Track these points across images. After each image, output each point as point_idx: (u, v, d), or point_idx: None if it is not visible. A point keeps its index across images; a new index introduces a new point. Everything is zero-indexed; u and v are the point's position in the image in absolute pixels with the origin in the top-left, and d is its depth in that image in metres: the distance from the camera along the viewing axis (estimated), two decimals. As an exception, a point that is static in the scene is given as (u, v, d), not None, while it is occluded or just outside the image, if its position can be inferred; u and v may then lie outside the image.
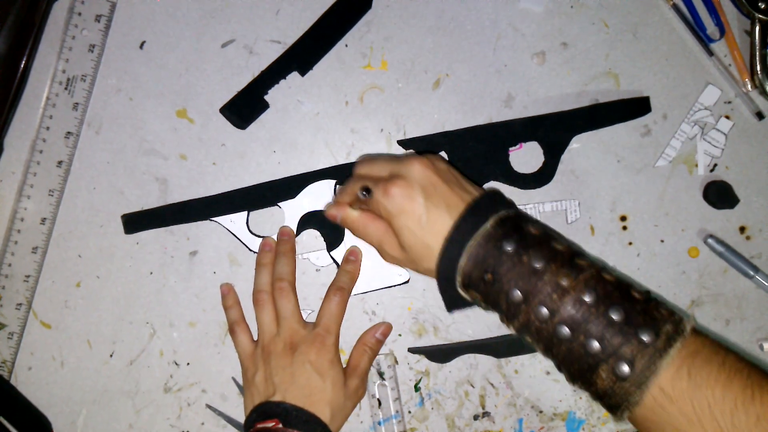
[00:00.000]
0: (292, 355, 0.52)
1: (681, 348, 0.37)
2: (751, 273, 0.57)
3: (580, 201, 0.58)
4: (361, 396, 0.55)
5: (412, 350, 0.58)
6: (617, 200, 0.58)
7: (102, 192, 0.57)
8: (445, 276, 0.45)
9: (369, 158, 0.53)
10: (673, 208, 0.58)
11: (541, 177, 0.57)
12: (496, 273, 0.42)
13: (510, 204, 0.47)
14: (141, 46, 0.57)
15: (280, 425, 0.48)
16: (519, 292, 0.41)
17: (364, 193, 0.49)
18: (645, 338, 0.38)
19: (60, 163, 0.57)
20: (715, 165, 0.58)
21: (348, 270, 0.56)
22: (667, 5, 0.57)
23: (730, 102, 0.58)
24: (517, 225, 0.43)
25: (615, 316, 0.39)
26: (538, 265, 0.41)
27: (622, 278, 0.42)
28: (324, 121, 0.57)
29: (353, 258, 0.56)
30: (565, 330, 0.39)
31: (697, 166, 0.58)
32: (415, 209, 0.45)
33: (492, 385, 0.59)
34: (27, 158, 0.57)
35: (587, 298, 0.39)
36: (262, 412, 0.50)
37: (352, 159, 0.57)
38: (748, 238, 0.58)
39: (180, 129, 0.57)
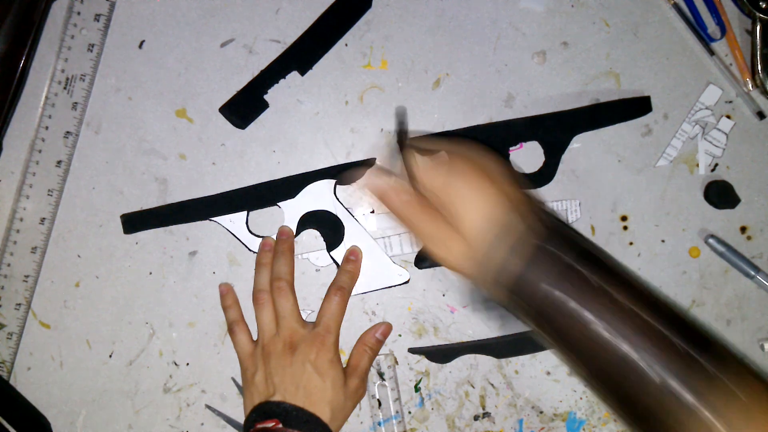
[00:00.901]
0: (292, 354, 0.52)
1: None
2: (752, 273, 0.57)
3: (581, 201, 0.58)
4: (361, 396, 0.55)
5: (413, 350, 0.58)
6: (618, 200, 0.58)
7: (101, 192, 0.57)
8: (478, 257, 0.41)
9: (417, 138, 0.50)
10: (674, 208, 0.58)
11: (542, 177, 0.57)
12: (569, 295, 0.39)
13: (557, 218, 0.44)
14: (140, 46, 0.57)
15: (280, 425, 0.48)
16: (604, 328, 0.39)
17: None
18: None
19: (59, 162, 0.56)
20: (716, 165, 0.58)
21: (348, 270, 0.56)
22: (668, 4, 0.57)
23: (731, 101, 0.58)
24: (592, 255, 0.41)
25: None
26: (623, 302, 0.39)
27: (700, 324, 0.41)
28: (324, 121, 0.57)
29: (353, 258, 0.56)
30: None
31: (698, 165, 0.58)
32: (479, 182, 0.43)
33: (492, 385, 0.58)
34: (26, 158, 0.57)
35: (678, 341, 0.38)
36: (262, 412, 0.50)
37: (352, 159, 0.57)
38: (749, 238, 0.58)
39: (179, 128, 0.57)
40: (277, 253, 0.56)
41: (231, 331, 0.56)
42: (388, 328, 0.57)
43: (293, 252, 0.56)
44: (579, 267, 0.40)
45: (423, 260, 0.57)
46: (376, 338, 0.56)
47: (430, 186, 0.44)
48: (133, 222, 0.56)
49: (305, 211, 0.56)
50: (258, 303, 0.55)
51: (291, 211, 0.56)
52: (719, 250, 0.57)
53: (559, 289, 0.40)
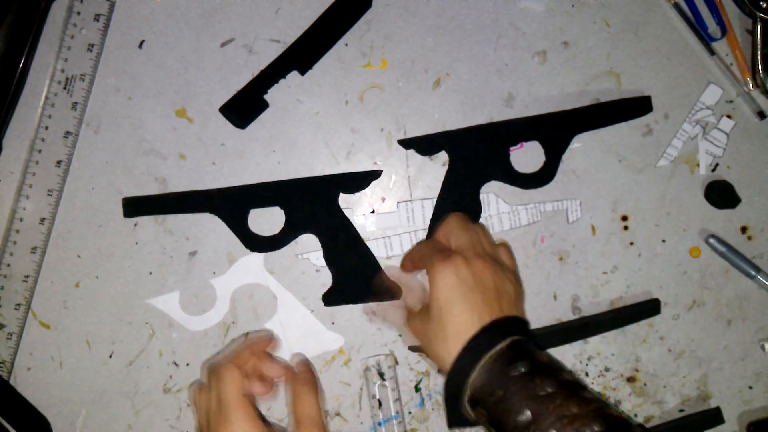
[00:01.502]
0: None
1: None
2: (753, 273, 0.57)
3: (582, 200, 0.58)
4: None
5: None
6: (618, 200, 0.58)
7: (101, 192, 0.57)
8: (453, 385, 0.45)
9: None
10: (675, 208, 0.58)
11: (542, 177, 0.57)
12: (507, 391, 0.42)
13: (529, 333, 0.47)
14: (140, 46, 0.57)
15: None
16: (529, 413, 0.41)
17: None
18: None
19: (59, 162, 0.56)
20: (717, 165, 0.58)
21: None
22: (669, 4, 0.57)
23: (731, 101, 0.58)
24: (529, 350, 0.44)
25: None
26: (549, 390, 0.42)
27: (625, 416, 0.42)
28: (324, 121, 0.57)
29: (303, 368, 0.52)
30: None
31: (698, 165, 0.58)
32: (454, 295, 0.46)
33: (492, 385, 0.58)
34: (26, 158, 0.57)
35: (596, 428, 0.40)
36: None
37: (352, 159, 0.57)
38: (749, 238, 0.58)
39: (179, 128, 0.57)
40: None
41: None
42: (305, 361, 0.55)
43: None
44: (533, 375, 0.43)
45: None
46: (309, 370, 0.51)
47: (416, 334, 0.50)
48: (134, 206, 0.56)
49: (238, 285, 0.57)
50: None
51: (223, 286, 0.57)
52: (720, 249, 0.57)
53: (504, 390, 0.43)
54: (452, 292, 0.46)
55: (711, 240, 0.57)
